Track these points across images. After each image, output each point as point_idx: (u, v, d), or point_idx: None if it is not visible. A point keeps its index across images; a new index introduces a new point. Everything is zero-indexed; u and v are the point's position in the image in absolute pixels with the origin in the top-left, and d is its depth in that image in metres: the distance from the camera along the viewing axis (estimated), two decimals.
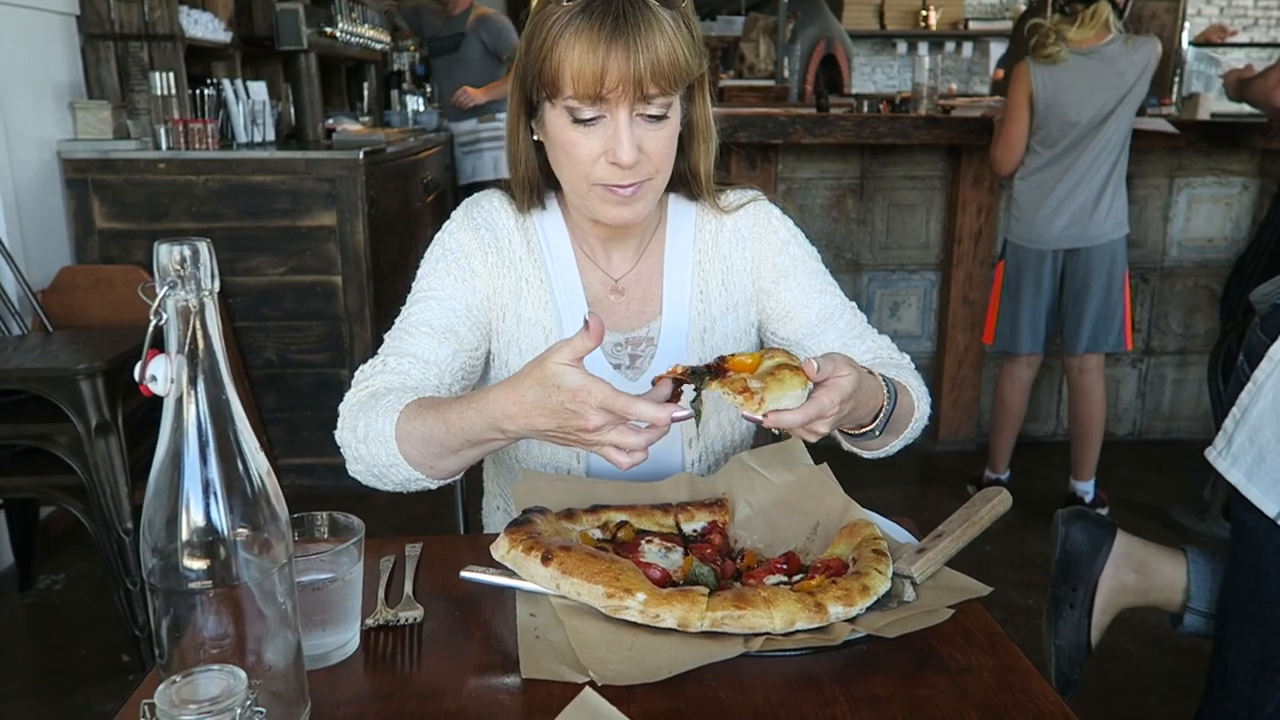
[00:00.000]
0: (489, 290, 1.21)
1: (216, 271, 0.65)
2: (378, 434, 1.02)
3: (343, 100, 5.75)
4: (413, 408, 1.01)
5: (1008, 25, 8.30)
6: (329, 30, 4.60)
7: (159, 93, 3.27)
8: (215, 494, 0.67)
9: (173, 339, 0.65)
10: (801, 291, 1.25)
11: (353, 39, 4.97)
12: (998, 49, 7.94)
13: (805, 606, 0.81)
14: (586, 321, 0.85)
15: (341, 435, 1.07)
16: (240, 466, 0.68)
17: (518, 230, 1.23)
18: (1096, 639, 1.56)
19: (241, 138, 3.76)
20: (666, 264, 1.25)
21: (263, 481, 0.70)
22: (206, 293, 0.64)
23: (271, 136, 3.99)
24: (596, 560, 0.82)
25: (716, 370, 0.92)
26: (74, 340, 2.53)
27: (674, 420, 0.86)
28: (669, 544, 0.98)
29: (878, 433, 1.06)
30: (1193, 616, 1.49)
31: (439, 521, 1.25)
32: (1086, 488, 3.15)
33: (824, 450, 1.15)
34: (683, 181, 1.22)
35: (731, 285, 1.26)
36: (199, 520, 0.67)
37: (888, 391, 1.05)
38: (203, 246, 0.64)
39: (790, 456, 1.10)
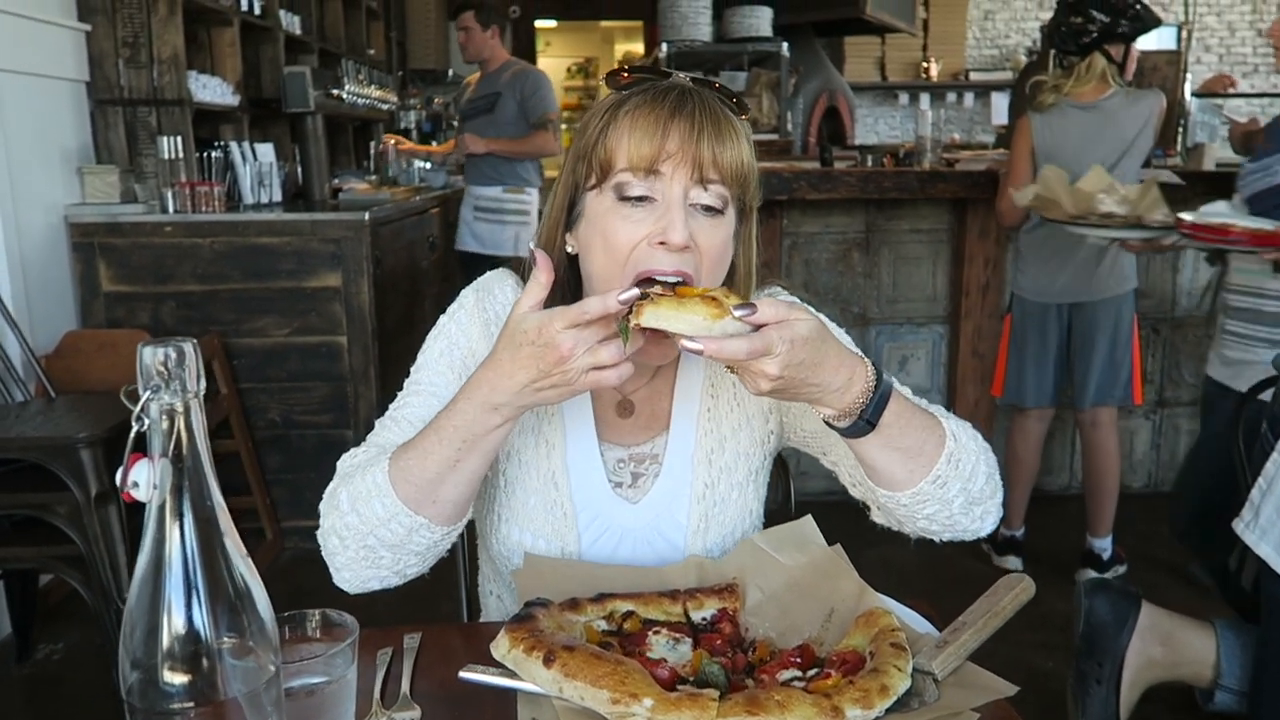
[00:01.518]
0: None
1: (202, 372, 0.62)
2: (368, 488, 0.96)
3: (350, 159, 5.80)
4: (400, 448, 0.98)
5: (1008, 76, 8.38)
6: (336, 92, 4.64)
7: (166, 156, 3.29)
8: (200, 605, 0.64)
9: (156, 443, 0.62)
10: None
11: (360, 100, 5.02)
12: (999, 99, 7.99)
13: (821, 710, 0.77)
14: (532, 254, 0.89)
15: (324, 524, 1.00)
16: (226, 575, 0.65)
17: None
18: (1125, 716, 1.51)
19: (248, 199, 3.78)
20: (679, 379, 1.19)
21: (249, 589, 0.67)
22: (192, 395, 0.62)
23: (279, 197, 4.01)
24: (601, 662, 0.78)
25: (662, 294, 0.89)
26: (76, 407, 2.51)
27: (621, 302, 0.85)
28: (677, 634, 0.94)
29: (866, 421, 0.92)
30: (1224, 694, 1.43)
31: (439, 587, 1.20)
32: (1104, 545, 3.08)
33: (837, 531, 1.11)
34: None
35: (744, 398, 1.18)
36: (182, 633, 0.64)
37: (875, 376, 0.93)
38: (188, 347, 0.61)
39: (802, 537, 1.06)
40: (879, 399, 0.93)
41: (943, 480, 0.99)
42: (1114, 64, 2.85)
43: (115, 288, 3.19)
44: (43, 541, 2.29)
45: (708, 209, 1.02)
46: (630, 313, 0.86)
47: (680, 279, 0.96)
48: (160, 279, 3.20)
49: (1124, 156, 2.85)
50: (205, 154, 3.52)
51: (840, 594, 0.99)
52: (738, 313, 0.84)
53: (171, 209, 3.24)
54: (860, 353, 1.14)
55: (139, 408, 0.60)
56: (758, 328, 0.85)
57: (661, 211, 1.00)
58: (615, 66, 1.08)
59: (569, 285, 1.12)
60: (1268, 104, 8.73)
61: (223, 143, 3.78)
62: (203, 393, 0.63)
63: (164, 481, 0.62)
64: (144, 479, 0.62)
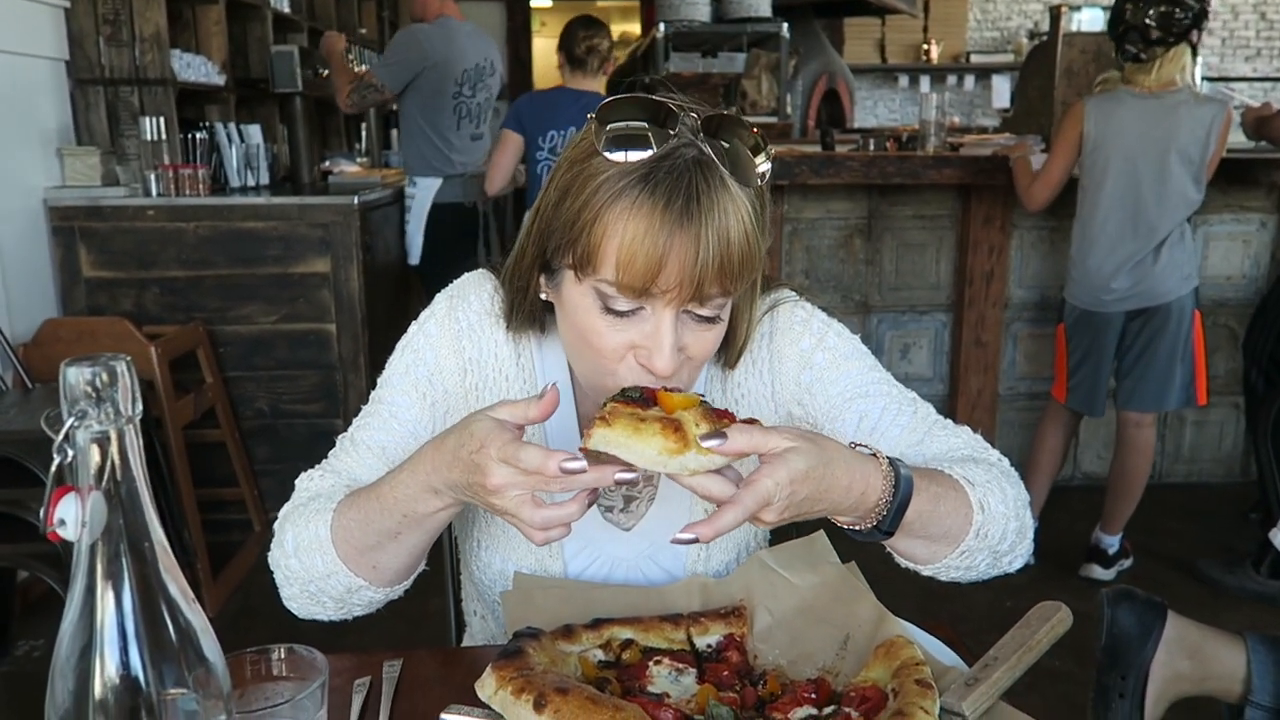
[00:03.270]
0: (463, 414, 1.00)
1: (138, 394, 0.54)
2: (310, 540, 0.91)
3: (340, 140, 5.68)
4: (347, 500, 0.91)
5: (1010, 58, 8.27)
6: (325, 72, 4.52)
7: (149, 138, 3.19)
8: (138, 656, 0.56)
9: (85, 476, 0.54)
10: (831, 405, 1.03)
11: None
12: (1000, 82, 7.90)
13: None
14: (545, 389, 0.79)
15: (272, 555, 0.95)
16: (168, 620, 0.57)
17: (507, 343, 1.04)
18: None
19: (235, 182, 3.69)
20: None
21: (194, 633, 0.59)
22: (125, 420, 0.54)
23: (266, 180, 3.91)
24: (598, 708, 0.70)
25: (643, 399, 0.80)
26: (53, 397, 2.42)
27: (564, 470, 0.74)
28: (680, 664, 0.86)
29: (882, 534, 0.85)
30: (1256, 711, 1.36)
31: (431, 579, 1.12)
32: (1112, 541, 3.01)
33: (850, 547, 1.03)
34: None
35: (747, 414, 1.05)
36: (118, 688, 0.56)
37: (894, 479, 0.83)
38: (120, 366, 0.53)
39: (814, 554, 0.98)
40: (898, 506, 0.83)
41: (969, 552, 0.92)
42: (1193, 52, 2.71)
43: (96, 273, 3.10)
44: (18, 538, 2.21)
45: (703, 318, 0.89)
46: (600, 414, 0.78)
47: (662, 389, 0.83)
48: (143, 264, 3.11)
49: (1174, 155, 2.68)
50: (190, 135, 3.41)
51: (856, 619, 0.91)
52: (707, 444, 0.73)
53: (154, 192, 3.15)
54: (909, 395, 1.05)
55: (60, 438, 0.52)
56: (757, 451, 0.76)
57: (650, 328, 0.87)
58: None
59: (538, 316, 1.01)
60: (1270, 88, 8.64)
61: (208, 124, 3.68)
62: (139, 416, 0.54)
63: (95, 518, 0.54)
64: (71, 516, 0.54)
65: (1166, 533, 3.35)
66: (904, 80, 8.62)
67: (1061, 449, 3.07)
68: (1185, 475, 3.81)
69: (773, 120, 5.15)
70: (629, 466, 0.76)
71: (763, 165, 0.88)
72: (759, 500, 0.74)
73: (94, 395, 0.52)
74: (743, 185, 0.86)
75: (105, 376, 0.52)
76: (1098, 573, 3.00)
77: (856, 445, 0.85)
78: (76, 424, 0.52)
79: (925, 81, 8.46)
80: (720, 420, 0.77)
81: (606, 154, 0.84)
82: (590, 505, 0.78)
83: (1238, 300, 3.63)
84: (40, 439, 2.13)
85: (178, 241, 3.11)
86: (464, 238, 3.71)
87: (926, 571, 0.95)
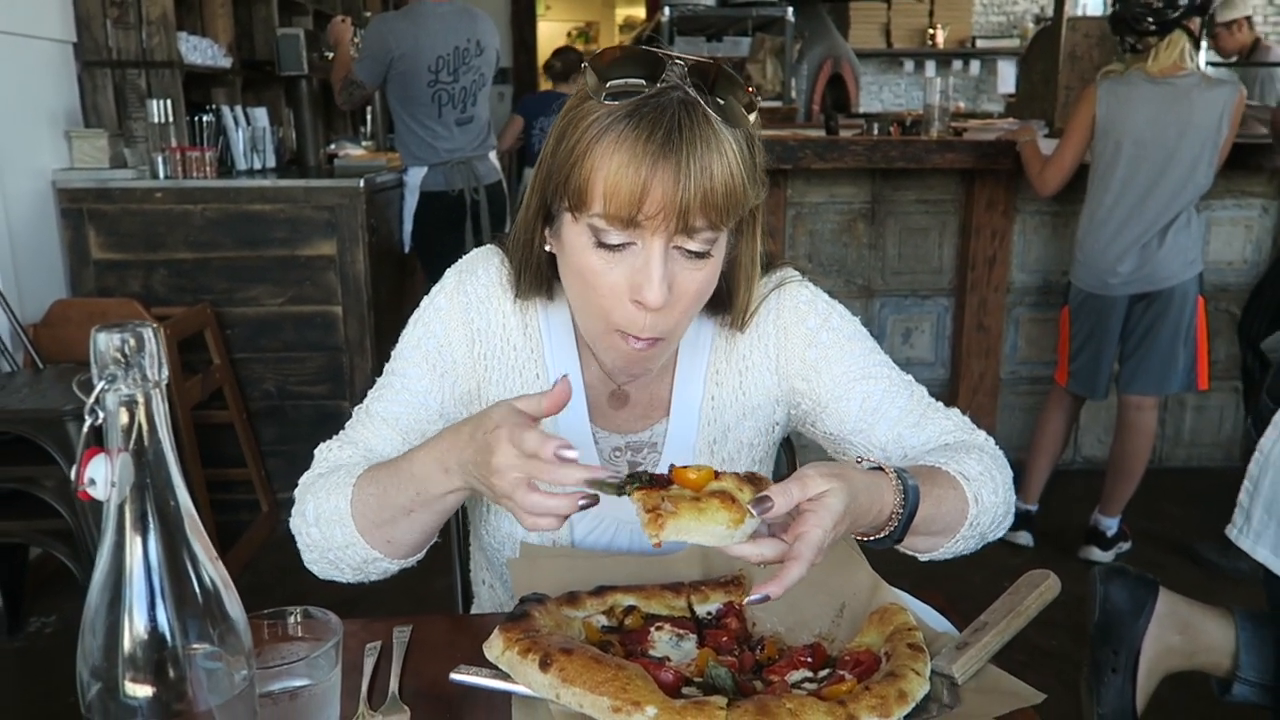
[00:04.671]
0: (472, 384, 1.09)
1: (164, 360, 0.57)
2: (330, 512, 0.95)
3: (346, 124, 5.69)
4: (366, 475, 0.95)
5: (1016, 43, 8.24)
6: (331, 55, 4.53)
7: (156, 120, 3.21)
8: (165, 611, 0.59)
9: (114, 437, 0.57)
10: (836, 384, 1.08)
11: None
12: (1006, 67, 7.87)
13: (836, 719, 0.72)
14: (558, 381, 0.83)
15: (293, 521, 1.00)
16: (193, 577, 0.60)
17: (515, 314, 1.09)
18: (1142, 704, 1.46)
19: (241, 165, 3.70)
20: (679, 366, 1.12)
21: (218, 591, 0.61)
22: (153, 384, 0.56)
23: (273, 163, 3.92)
24: (601, 667, 0.73)
25: (660, 480, 0.82)
26: (63, 377, 2.46)
27: (558, 456, 0.79)
28: (681, 630, 0.89)
29: (892, 541, 0.91)
30: (1243, 686, 1.39)
31: (436, 558, 1.15)
32: (1111, 523, 3.04)
33: None
34: (716, 304, 1.05)
35: (749, 388, 1.11)
36: (146, 642, 0.59)
37: (903, 492, 0.89)
38: (147, 333, 0.55)
39: None
40: (908, 516, 0.89)
41: (962, 539, 0.99)
42: (1193, 39, 2.71)
43: (105, 255, 3.12)
44: (30, 515, 2.25)
45: (693, 254, 0.92)
46: (624, 485, 0.82)
47: (671, 467, 0.85)
48: (151, 247, 3.13)
49: (1185, 139, 2.70)
50: (196, 118, 3.43)
51: (852, 587, 0.94)
52: (757, 511, 0.79)
53: (162, 174, 3.17)
54: (906, 378, 1.11)
55: (91, 400, 0.55)
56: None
57: (640, 262, 0.90)
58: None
59: (550, 272, 1.04)
60: None
61: (214, 106, 3.69)
62: (165, 381, 0.57)
63: (123, 478, 0.57)
64: (101, 476, 0.56)
65: (1165, 516, 3.37)
66: (909, 65, 8.59)
67: (1063, 433, 3.10)
68: (1185, 459, 3.83)
69: (777, 104, 5.15)
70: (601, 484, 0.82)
71: (751, 115, 0.91)
72: (815, 550, 0.79)
73: (123, 360, 0.55)
74: (729, 125, 0.89)
75: (134, 342, 0.55)
76: (1096, 555, 3.03)
77: (860, 460, 0.91)
78: (107, 388, 0.55)
79: (930, 66, 8.43)
80: (740, 479, 0.82)
81: (597, 97, 0.88)
82: (583, 507, 0.82)
83: (1239, 285, 3.64)
84: (50, 418, 2.17)
85: (185, 224, 3.13)
86: (450, 226, 3.71)
87: (924, 558, 1.02)
